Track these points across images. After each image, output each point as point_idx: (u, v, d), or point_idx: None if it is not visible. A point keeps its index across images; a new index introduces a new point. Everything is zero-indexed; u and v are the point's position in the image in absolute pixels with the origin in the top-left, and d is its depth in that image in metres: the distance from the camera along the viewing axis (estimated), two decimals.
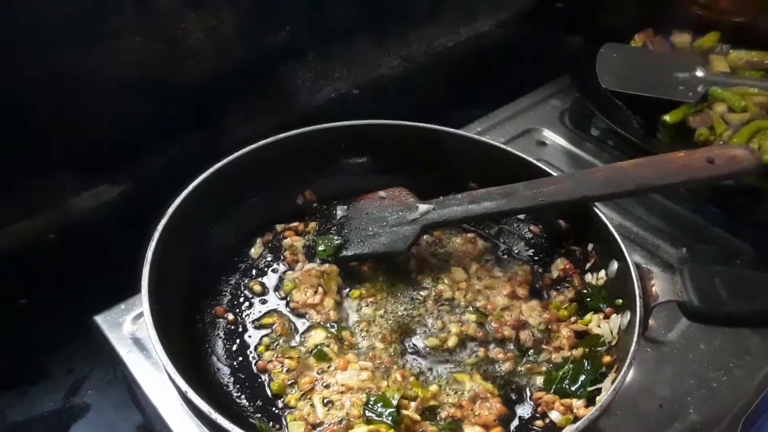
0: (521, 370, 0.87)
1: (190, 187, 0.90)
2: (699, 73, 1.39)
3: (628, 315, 0.85)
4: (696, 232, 1.21)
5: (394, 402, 0.79)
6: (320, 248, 0.97)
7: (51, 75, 0.99)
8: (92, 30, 1.00)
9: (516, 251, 1.04)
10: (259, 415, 0.80)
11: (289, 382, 0.83)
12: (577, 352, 0.87)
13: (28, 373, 1.08)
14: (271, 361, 0.86)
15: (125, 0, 1.02)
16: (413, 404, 0.80)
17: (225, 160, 0.94)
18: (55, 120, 1.03)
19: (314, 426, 0.78)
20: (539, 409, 0.82)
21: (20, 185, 1.05)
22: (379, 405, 0.78)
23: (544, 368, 0.87)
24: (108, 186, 1.15)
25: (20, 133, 1.00)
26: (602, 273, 0.94)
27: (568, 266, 0.98)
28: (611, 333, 0.87)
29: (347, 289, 0.96)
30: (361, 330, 0.90)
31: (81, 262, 1.07)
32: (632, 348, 0.77)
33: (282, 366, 0.85)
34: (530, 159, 1.01)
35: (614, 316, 0.88)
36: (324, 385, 0.83)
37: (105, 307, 0.99)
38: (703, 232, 1.21)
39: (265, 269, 0.98)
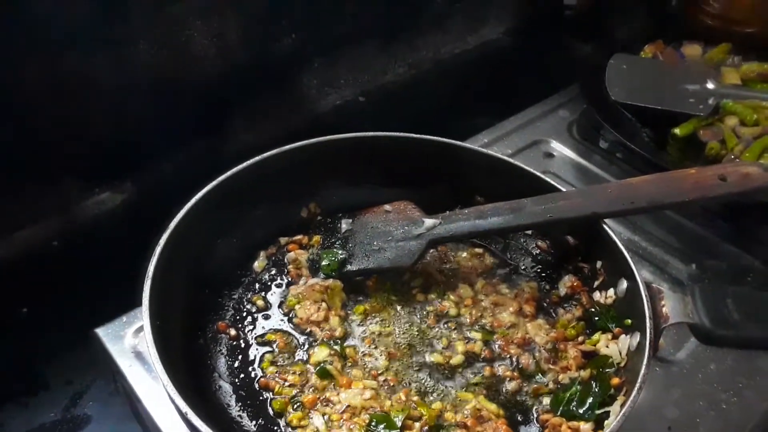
0: (527, 391, 0.86)
1: (193, 201, 0.89)
2: (710, 86, 1.37)
3: (637, 336, 0.83)
4: (706, 248, 1.19)
5: (399, 422, 0.77)
6: (324, 263, 0.96)
7: (55, 81, 0.99)
8: (98, 37, 1.00)
9: (523, 267, 1.03)
10: None
11: (292, 401, 0.82)
12: (585, 372, 0.86)
13: (28, 384, 1.07)
14: (273, 378, 0.84)
15: (131, 7, 1.01)
16: (417, 425, 0.78)
17: (227, 174, 0.93)
18: (60, 127, 1.03)
19: None
20: (546, 431, 0.81)
21: (24, 192, 1.05)
22: (383, 426, 0.77)
23: (550, 389, 0.86)
24: (111, 194, 1.15)
25: (24, 139, 0.99)
26: (611, 291, 0.92)
27: (575, 284, 0.96)
28: (620, 354, 0.85)
29: (351, 305, 0.94)
30: (366, 347, 0.89)
31: (84, 271, 1.07)
32: (642, 371, 0.75)
33: (284, 384, 0.83)
34: (538, 173, 1.00)
35: (623, 336, 0.87)
36: (327, 403, 0.81)
37: (107, 317, 0.98)
38: (714, 248, 1.19)
39: (269, 283, 0.97)
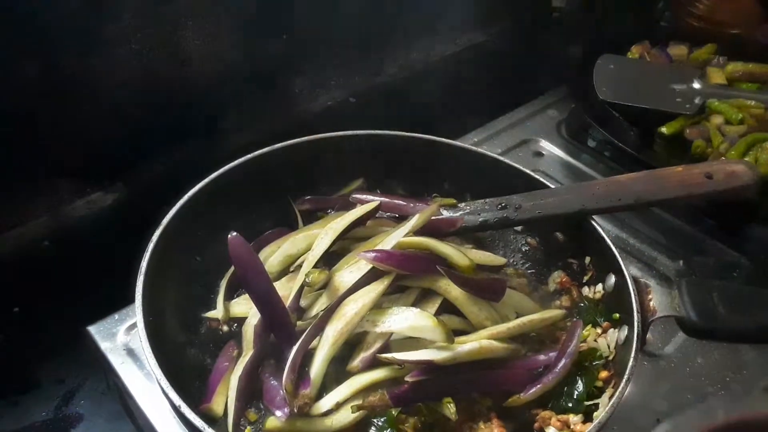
0: None
1: (186, 197, 0.90)
2: (696, 85, 1.39)
3: (625, 329, 0.84)
4: (693, 245, 1.21)
5: (394, 414, 0.78)
6: None
7: (47, 82, 0.99)
8: (90, 38, 1.00)
9: (513, 263, 1.04)
10: (252, 428, 0.79)
11: None
12: (574, 366, 0.86)
13: (19, 383, 1.07)
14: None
15: (123, 8, 1.02)
16: (411, 420, 0.79)
17: (222, 170, 0.94)
18: (51, 127, 1.03)
19: None
20: (536, 425, 0.81)
21: (15, 192, 1.04)
22: (382, 420, 0.77)
23: None
24: (102, 194, 1.15)
25: (15, 140, 0.99)
26: (599, 286, 0.94)
27: (565, 279, 0.98)
28: (608, 347, 0.86)
29: None
30: None
31: (75, 271, 1.07)
32: (630, 364, 0.77)
33: None
34: (527, 170, 1.01)
35: (611, 330, 0.88)
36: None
37: (98, 316, 0.98)
38: (701, 244, 1.21)
39: None
